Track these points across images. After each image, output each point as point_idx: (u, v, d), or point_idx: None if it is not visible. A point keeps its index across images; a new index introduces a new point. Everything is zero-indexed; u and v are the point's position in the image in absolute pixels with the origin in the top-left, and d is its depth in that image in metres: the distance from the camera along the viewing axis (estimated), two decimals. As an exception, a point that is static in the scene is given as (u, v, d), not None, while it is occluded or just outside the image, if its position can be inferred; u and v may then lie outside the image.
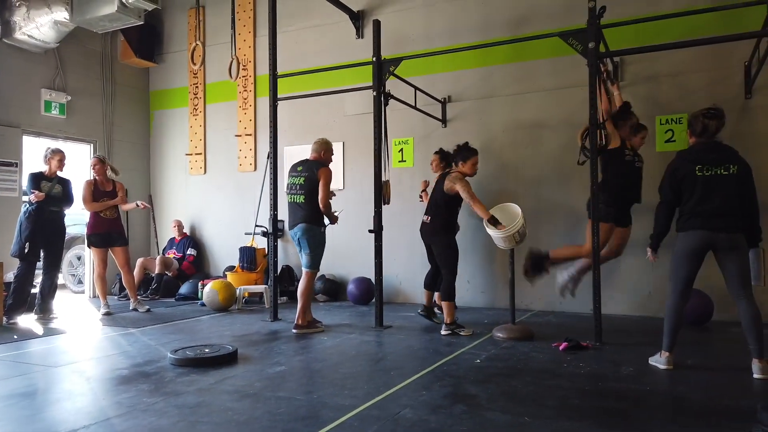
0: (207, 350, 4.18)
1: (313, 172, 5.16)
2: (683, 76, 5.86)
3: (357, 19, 7.41)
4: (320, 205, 5.12)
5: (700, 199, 3.59)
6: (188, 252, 8.32)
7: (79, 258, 8.61)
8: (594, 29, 4.55)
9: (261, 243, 7.63)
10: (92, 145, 8.25)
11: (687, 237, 3.65)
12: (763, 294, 4.39)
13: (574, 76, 5.96)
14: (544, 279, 5.65)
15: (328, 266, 7.36)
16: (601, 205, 4.72)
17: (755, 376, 3.47)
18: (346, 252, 7.29)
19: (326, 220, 5.25)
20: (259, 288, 7.08)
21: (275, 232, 5.86)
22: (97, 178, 6.49)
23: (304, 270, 5.26)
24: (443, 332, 4.98)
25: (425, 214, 5.39)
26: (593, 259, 4.58)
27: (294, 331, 5.15)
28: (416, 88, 6.38)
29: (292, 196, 5.24)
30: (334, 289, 7.36)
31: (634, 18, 5.48)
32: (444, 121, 6.91)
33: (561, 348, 4.32)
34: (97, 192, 6.42)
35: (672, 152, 4.95)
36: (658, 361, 3.78)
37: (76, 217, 7.88)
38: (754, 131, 5.40)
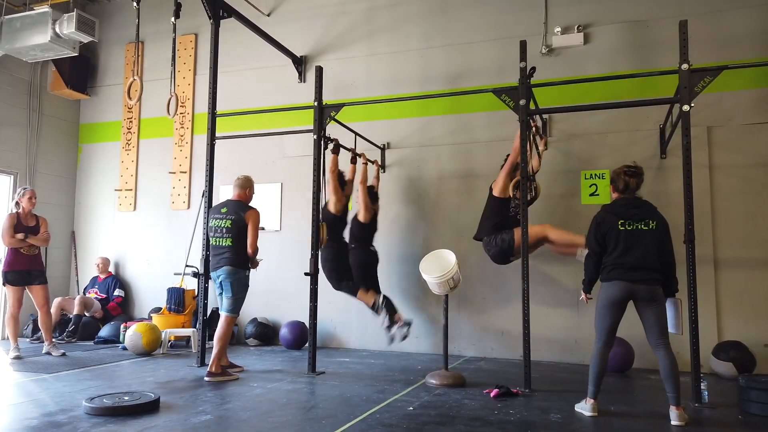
0: (126, 398, 3.95)
1: (240, 216, 5.11)
2: (605, 135, 6.26)
3: (300, 63, 7.51)
4: (249, 250, 5.09)
5: (622, 252, 3.80)
6: (115, 293, 7.89)
7: (-12, 296, 7.99)
8: (524, 88, 4.85)
9: (191, 284, 7.35)
10: (13, 176, 7.81)
11: (609, 287, 3.84)
12: (679, 343, 4.64)
13: (507, 130, 6.26)
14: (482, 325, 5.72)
15: (260, 309, 7.19)
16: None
17: (673, 423, 3.63)
18: (280, 295, 7.15)
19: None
20: (187, 331, 6.78)
21: (207, 272, 5.67)
22: (22, 211, 6.11)
23: (223, 314, 5.13)
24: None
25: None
26: (523, 306, 4.70)
27: (206, 379, 4.90)
28: (356, 134, 6.49)
29: (217, 239, 5.14)
30: (266, 333, 7.15)
31: (562, 79, 5.86)
32: (383, 166, 7.04)
33: (492, 395, 4.37)
34: (20, 226, 6.03)
35: (594, 205, 5.24)
36: (584, 408, 3.90)
37: (-11, 253, 7.36)
38: (668, 189, 5.80)
